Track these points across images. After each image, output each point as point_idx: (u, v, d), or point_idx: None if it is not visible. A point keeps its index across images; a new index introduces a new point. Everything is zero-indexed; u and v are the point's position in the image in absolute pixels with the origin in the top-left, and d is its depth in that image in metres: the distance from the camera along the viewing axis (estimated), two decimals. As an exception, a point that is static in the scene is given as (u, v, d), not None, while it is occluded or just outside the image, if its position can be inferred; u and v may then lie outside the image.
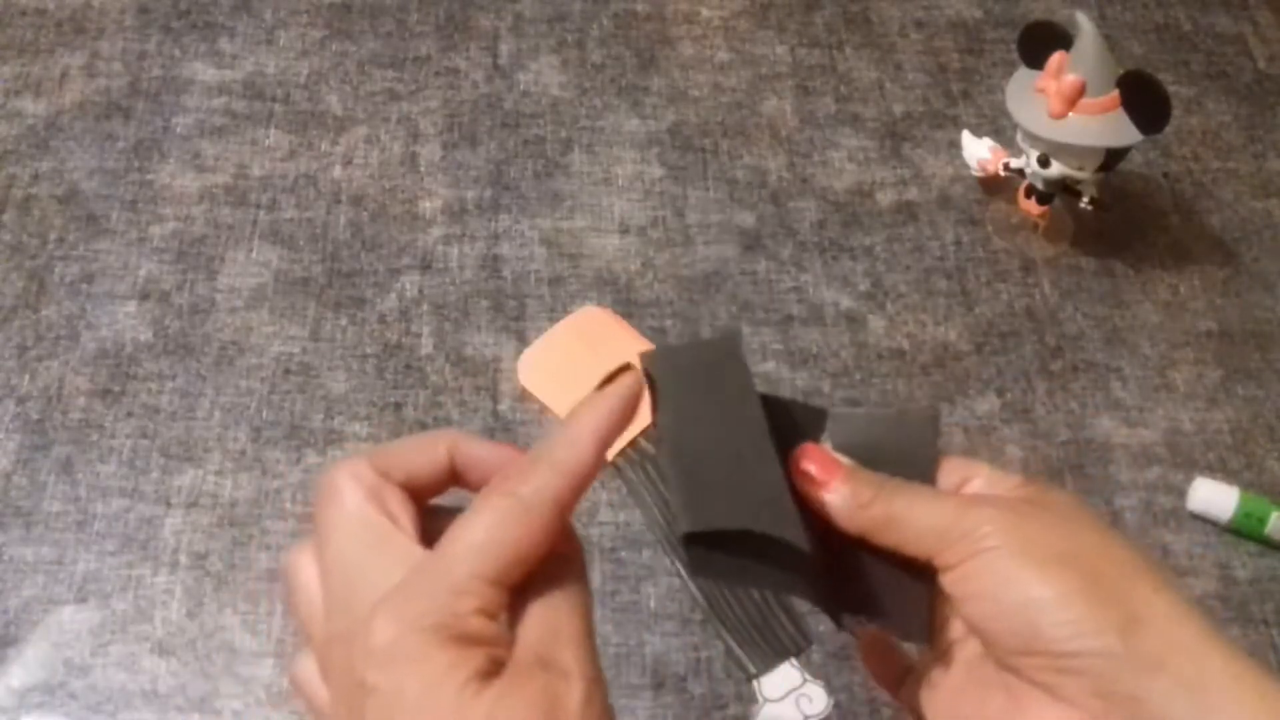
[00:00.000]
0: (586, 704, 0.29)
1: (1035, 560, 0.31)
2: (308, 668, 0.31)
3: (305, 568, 0.32)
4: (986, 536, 0.32)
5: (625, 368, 0.36)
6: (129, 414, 0.59)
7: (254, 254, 0.65)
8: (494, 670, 0.28)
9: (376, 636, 0.28)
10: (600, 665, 0.30)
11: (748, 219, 0.68)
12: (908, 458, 0.36)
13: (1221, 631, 0.30)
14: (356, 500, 0.31)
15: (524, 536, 0.30)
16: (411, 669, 0.28)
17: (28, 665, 0.51)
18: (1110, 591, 0.30)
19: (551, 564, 0.31)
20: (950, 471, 0.36)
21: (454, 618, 0.28)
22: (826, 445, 0.36)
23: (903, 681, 0.37)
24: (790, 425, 0.36)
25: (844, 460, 0.35)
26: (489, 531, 0.30)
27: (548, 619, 0.30)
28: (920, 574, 0.34)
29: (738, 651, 0.52)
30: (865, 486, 0.34)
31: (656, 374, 0.35)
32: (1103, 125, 0.59)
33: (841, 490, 0.34)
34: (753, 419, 0.34)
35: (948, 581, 0.33)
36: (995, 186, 0.69)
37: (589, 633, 0.30)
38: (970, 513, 0.32)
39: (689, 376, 0.35)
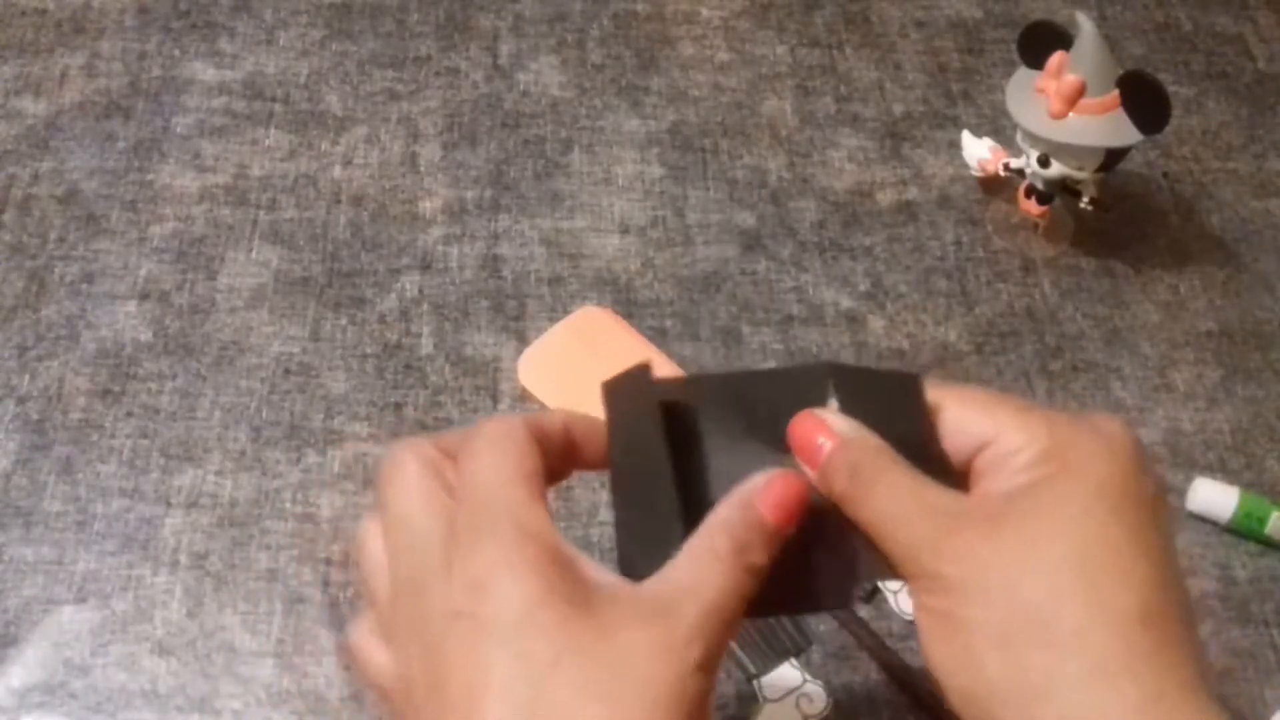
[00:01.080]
0: (697, 671, 0.28)
1: (973, 643, 0.29)
2: (366, 631, 0.32)
3: (371, 535, 0.33)
4: (945, 592, 0.30)
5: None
6: (129, 414, 0.59)
7: (254, 254, 0.65)
8: (587, 600, 0.28)
9: (475, 561, 0.28)
10: (721, 656, 0.30)
11: (748, 219, 0.68)
12: (902, 419, 0.34)
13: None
14: (417, 470, 0.32)
15: (533, 450, 0.32)
16: (511, 589, 0.28)
17: (28, 665, 0.51)
18: (1027, 693, 0.28)
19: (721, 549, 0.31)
20: (969, 416, 0.33)
21: (537, 530, 0.29)
22: (833, 405, 0.35)
23: None
24: (793, 395, 0.35)
25: (841, 427, 0.34)
26: (506, 456, 0.32)
27: (692, 576, 0.30)
28: None
29: (738, 652, 0.52)
30: (836, 476, 0.33)
31: (606, 405, 0.36)
32: (1103, 125, 0.59)
33: (823, 471, 0.33)
34: (653, 454, 0.34)
35: (914, 611, 0.32)
36: (995, 186, 0.69)
37: (727, 615, 0.30)
38: (937, 555, 0.30)
39: (616, 411, 0.36)
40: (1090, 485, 0.31)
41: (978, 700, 0.30)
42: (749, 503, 0.32)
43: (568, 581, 0.29)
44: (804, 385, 0.35)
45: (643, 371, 0.36)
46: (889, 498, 0.32)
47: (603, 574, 0.30)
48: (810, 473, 0.34)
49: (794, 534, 0.34)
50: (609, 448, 0.35)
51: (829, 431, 0.33)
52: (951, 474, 0.34)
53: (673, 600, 0.29)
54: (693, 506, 0.35)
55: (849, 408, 0.35)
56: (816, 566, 0.34)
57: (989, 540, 0.30)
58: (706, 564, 0.30)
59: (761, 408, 0.35)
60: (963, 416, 0.34)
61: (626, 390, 0.36)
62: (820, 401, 0.35)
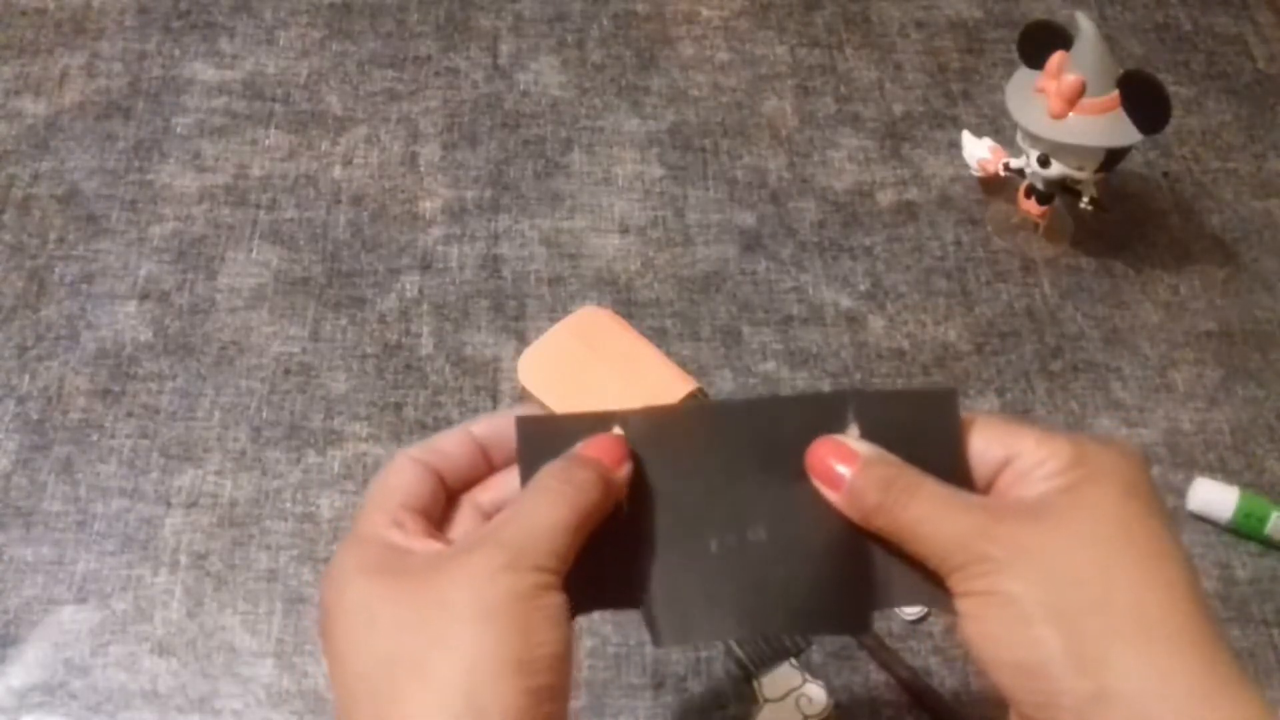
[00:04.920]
0: (504, 572, 0.31)
1: (1027, 616, 0.30)
2: None
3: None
4: (994, 572, 0.31)
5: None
6: (129, 414, 0.59)
7: (254, 254, 0.65)
8: (402, 567, 0.33)
9: (331, 568, 0.34)
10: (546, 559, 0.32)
11: (748, 219, 0.68)
12: (932, 440, 0.34)
13: (1221, 696, 0.28)
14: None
15: (404, 482, 0.35)
16: (339, 580, 0.34)
17: (28, 665, 0.51)
18: (1088, 658, 0.29)
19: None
20: (991, 442, 0.34)
21: (370, 535, 0.34)
22: (853, 431, 0.35)
23: None
24: (812, 422, 0.35)
25: (864, 450, 0.34)
26: (376, 494, 0.35)
27: (506, 512, 0.34)
28: None
29: (737, 652, 0.52)
30: (871, 489, 0.33)
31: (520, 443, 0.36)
32: (1103, 125, 0.59)
33: (851, 489, 0.33)
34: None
35: (957, 603, 0.32)
36: (995, 186, 0.69)
37: (542, 522, 0.32)
38: (985, 537, 0.31)
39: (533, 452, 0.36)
40: (1120, 484, 0.32)
41: (1032, 671, 0.30)
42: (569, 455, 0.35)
43: (384, 559, 0.33)
44: (823, 412, 0.35)
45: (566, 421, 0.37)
46: (930, 498, 0.33)
47: (429, 546, 0.33)
48: (833, 495, 0.34)
49: (803, 556, 0.34)
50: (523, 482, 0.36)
51: (849, 455, 0.34)
52: (976, 492, 0.34)
53: (480, 534, 0.33)
54: (695, 536, 0.35)
55: (870, 433, 0.35)
56: (831, 590, 0.34)
57: (1035, 528, 0.31)
58: (525, 495, 0.34)
59: (779, 435, 0.35)
60: (982, 442, 0.34)
61: (548, 434, 0.36)
62: (840, 428, 0.35)
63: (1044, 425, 0.35)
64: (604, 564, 0.34)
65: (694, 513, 0.35)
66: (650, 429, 0.36)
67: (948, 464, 0.34)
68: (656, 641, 0.34)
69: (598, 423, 0.36)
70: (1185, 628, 0.30)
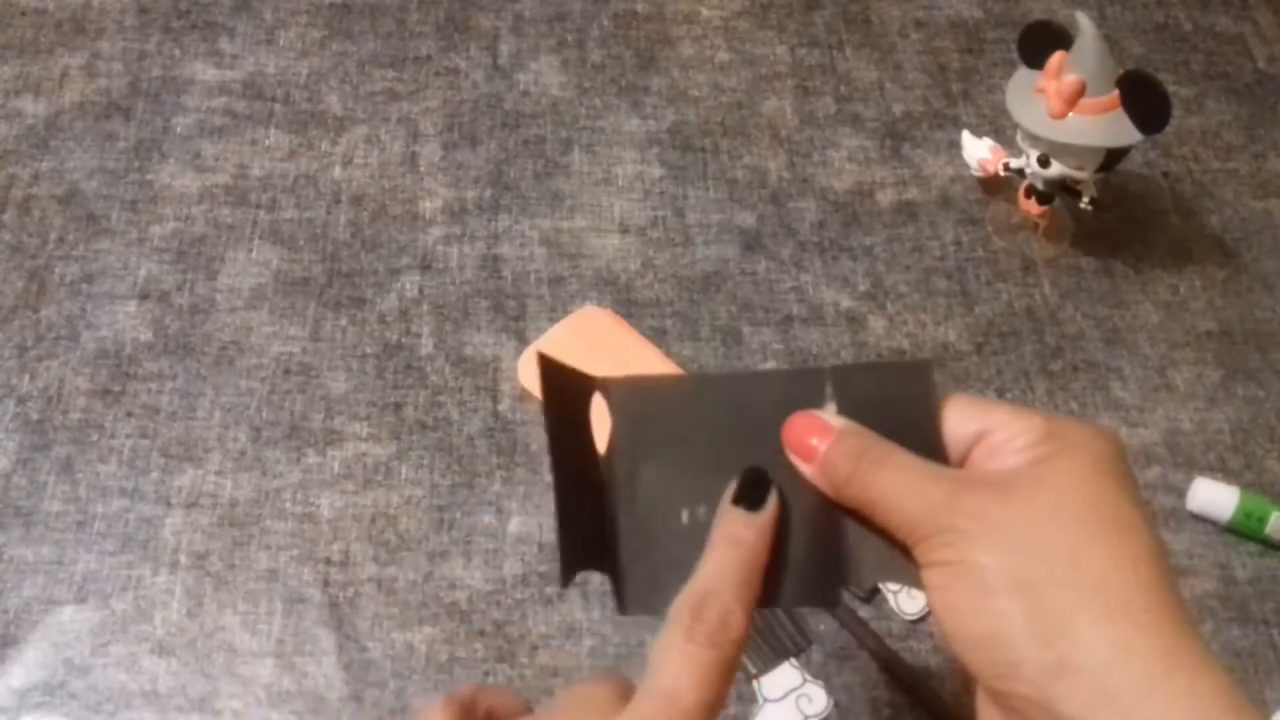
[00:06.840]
0: None
1: (990, 586, 0.30)
2: None
3: None
4: (959, 542, 0.31)
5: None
6: (129, 414, 0.59)
7: (254, 254, 0.65)
8: None
9: None
10: None
11: (748, 219, 0.68)
12: (908, 412, 0.35)
13: (1182, 670, 0.28)
14: None
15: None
16: None
17: (28, 665, 0.51)
18: (1049, 630, 0.29)
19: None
20: (966, 418, 0.34)
21: None
22: (831, 406, 0.35)
23: None
24: (790, 397, 0.35)
25: (838, 423, 0.34)
26: None
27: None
28: None
29: (738, 651, 0.52)
30: (843, 460, 0.33)
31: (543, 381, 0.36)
32: (1103, 125, 0.59)
33: (824, 461, 0.33)
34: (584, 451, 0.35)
35: (923, 575, 0.32)
36: (995, 186, 0.69)
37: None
38: (952, 509, 0.31)
39: (555, 396, 0.36)
40: (1090, 458, 0.32)
41: (994, 641, 0.30)
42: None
43: None
44: (802, 387, 0.36)
45: (579, 377, 0.36)
46: (899, 469, 0.33)
47: None
48: (806, 469, 0.34)
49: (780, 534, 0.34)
50: (548, 429, 0.35)
51: (824, 429, 0.34)
52: (951, 465, 0.34)
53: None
54: (667, 506, 0.35)
55: (848, 409, 0.35)
56: (800, 564, 0.34)
57: (1002, 500, 0.31)
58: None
59: (757, 409, 0.36)
60: (957, 418, 0.35)
61: (566, 382, 0.36)
62: (818, 403, 0.35)
63: (1019, 404, 0.35)
64: (583, 527, 0.34)
65: (668, 483, 0.35)
66: (632, 397, 0.36)
67: (924, 436, 0.34)
68: (620, 609, 0.34)
69: (591, 383, 0.37)
70: (1148, 603, 0.30)
